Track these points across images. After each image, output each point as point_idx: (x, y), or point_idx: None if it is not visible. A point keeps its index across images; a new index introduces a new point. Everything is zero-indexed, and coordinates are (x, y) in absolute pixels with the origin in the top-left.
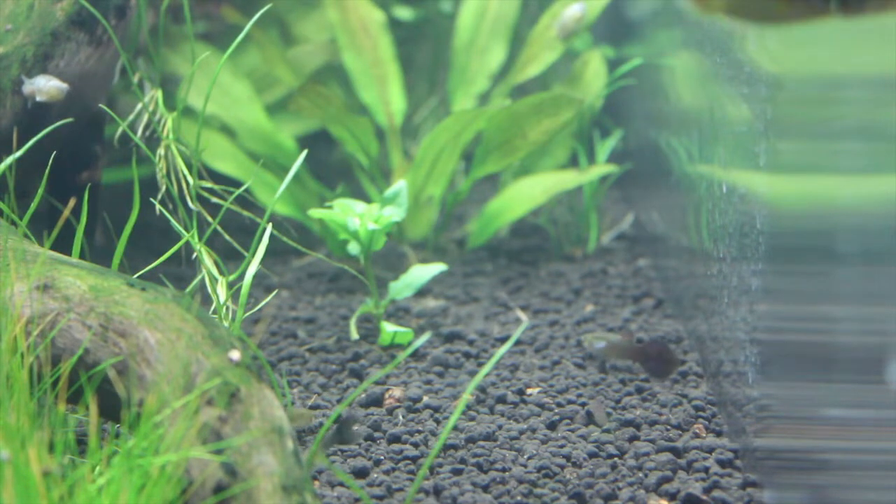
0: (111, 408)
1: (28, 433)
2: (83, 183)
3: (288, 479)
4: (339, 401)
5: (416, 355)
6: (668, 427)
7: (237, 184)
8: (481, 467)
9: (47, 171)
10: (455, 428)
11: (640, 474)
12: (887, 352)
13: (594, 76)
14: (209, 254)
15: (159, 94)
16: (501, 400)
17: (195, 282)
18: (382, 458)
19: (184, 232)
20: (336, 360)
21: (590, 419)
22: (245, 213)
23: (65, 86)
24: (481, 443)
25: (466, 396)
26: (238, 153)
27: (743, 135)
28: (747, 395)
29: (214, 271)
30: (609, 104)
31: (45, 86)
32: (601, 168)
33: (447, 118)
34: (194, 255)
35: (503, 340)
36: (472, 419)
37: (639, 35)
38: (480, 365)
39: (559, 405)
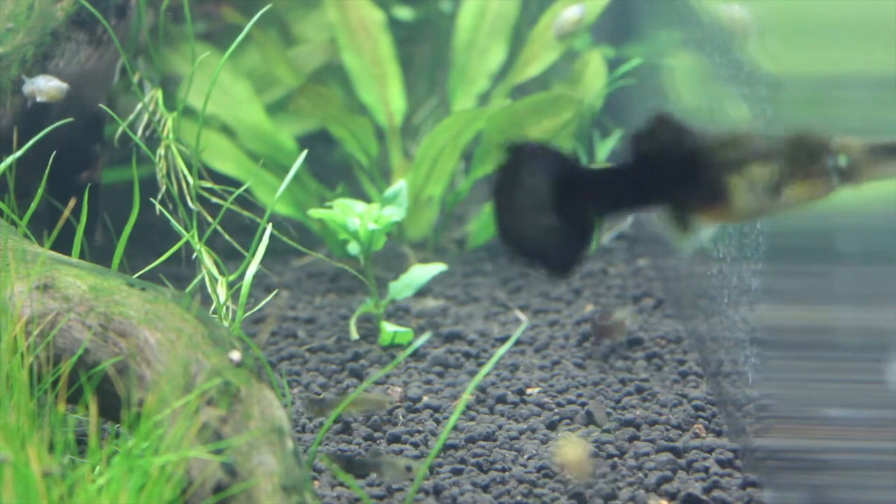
0: (111, 408)
1: (28, 433)
2: (83, 183)
3: (288, 479)
4: None
5: (416, 355)
6: (668, 427)
7: (237, 184)
8: (481, 467)
9: (47, 171)
10: (455, 428)
11: (640, 474)
12: (887, 352)
13: (594, 76)
14: (209, 254)
15: (159, 94)
16: (501, 400)
17: (195, 282)
18: None
19: (184, 232)
20: (336, 360)
21: (590, 419)
22: (245, 213)
23: (65, 86)
24: (481, 443)
25: (466, 396)
26: (238, 153)
27: None
28: (747, 395)
29: (214, 271)
30: (609, 104)
31: (45, 86)
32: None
33: (447, 118)
34: (194, 255)
35: (503, 340)
36: (472, 419)
37: (639, 35)
38: (480, 365)
39: (559, 405)
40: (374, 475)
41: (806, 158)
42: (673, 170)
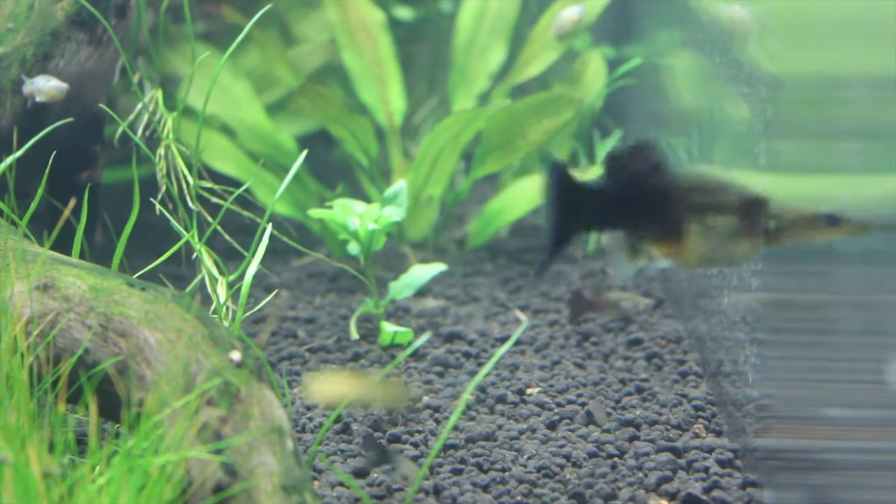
0: (111, 408)
1: (28, 433)
2: (83, 183)
3: (288, 479)
4: None
5: (416, 355)
6: (668, 427)
7: (237, 184)
8: (481, 467)
9: (47, 171)
10: (455, 428)
11: (640, 474)
12: (887, 351)
13: (594, 76)
14: (209, 254)
15: (159, 94)
16: (501, 400)
17: (195, 282)
18: None
19: (184, 232)
20: (336, 360)
21: (590, 419)
22: (245, 213)
23: (64, 86)
24: (481, 443)
25: (466, 396)
26: (238, 153)
27: (743, 135)
28: (747, 395)
29: (214, 271)
30: (609, 104)
31: (45, 86)
32: (601, 168)
33: (447, 118)
34: (194, 255)
35: (503, 340)
36: (472, 419)
37: (639, 35)
38: (480, 365)
39: (559, 405)
40: (390, 466)
41: (753, 218)
42: (640, 198)
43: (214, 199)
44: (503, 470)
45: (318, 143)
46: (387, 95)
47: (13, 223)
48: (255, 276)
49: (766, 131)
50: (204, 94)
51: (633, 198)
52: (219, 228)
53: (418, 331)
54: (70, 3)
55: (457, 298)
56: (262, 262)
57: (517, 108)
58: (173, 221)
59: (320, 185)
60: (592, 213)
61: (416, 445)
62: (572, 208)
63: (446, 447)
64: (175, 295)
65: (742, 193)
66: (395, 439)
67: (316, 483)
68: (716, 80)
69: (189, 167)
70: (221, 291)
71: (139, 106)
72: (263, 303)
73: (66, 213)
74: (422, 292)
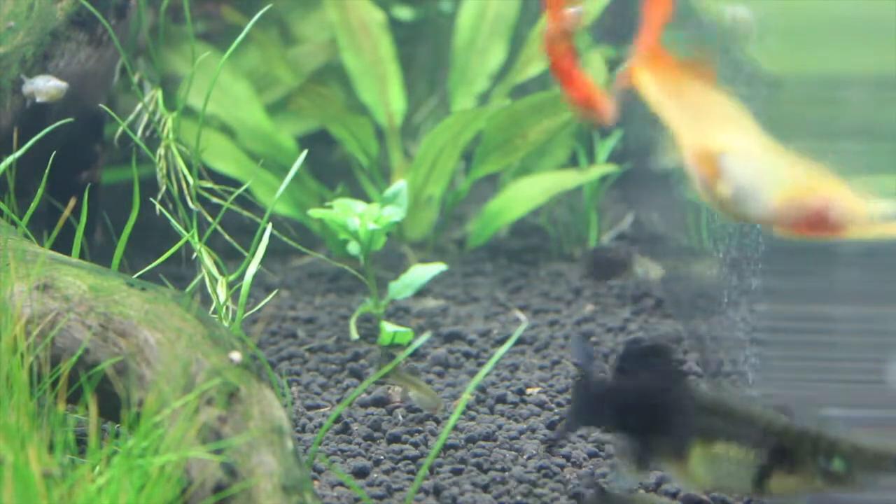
0: (111, 408)
1: (28, 433)
2: (83, 183)
3: (288, 479)
4: (338, 401)
5: (416, 355)
6: None
7: (237, 184)
8: (481, 467)
9: (47, 171)
10: (455, 428)
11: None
12: (887, 352)
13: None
14: (209, 254)
15: (159, 94)
16: (501, 400)
17: (195, 282)
18: (382, 457)
19: (184, 232)
20: (336, 360)
21: None
22: (245, 213)
23: (64, 85)
24: (481, 443)
25: (466, 396)
26: (238, 153)
27: None
28: (747, 395)
29: (214, 271)
30: None
31: (45, 86)
32: (601, 168)
33: (447, 118)
34: (194, 255)
35: (503, 340)
36: (472, 419)
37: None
38: (480, 365)
39: (559, 405)
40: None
41: (791, 453)
42: (648, 405)
43: (214, 199)
44: (503, 470)
45: (318, 143)
46: (387, 95)
47: (13, 223)
48: (255, 276)
49: (765, 131)
50: (204, 94)
51: (642, 403)
52: (219, 228)
53: (418, 331)
54: (70, 3)
55: (457, 298)
56: (262, 261)
57: (517, 108)
58: (173, 221)
59: (320, 185)
60: (603, 413)
61: (415, 445)
62: (588, 404)
63: (446, 447)
64: (175, 295)
65: (764, 427)
66: (395, 439)
67: (316, 483)
68: (716, 80)
69: (189, 167)
70: (221, 291)
71: (139, 106)
72: (263, 303)
73: (66, 213)
74: (422, 292)
